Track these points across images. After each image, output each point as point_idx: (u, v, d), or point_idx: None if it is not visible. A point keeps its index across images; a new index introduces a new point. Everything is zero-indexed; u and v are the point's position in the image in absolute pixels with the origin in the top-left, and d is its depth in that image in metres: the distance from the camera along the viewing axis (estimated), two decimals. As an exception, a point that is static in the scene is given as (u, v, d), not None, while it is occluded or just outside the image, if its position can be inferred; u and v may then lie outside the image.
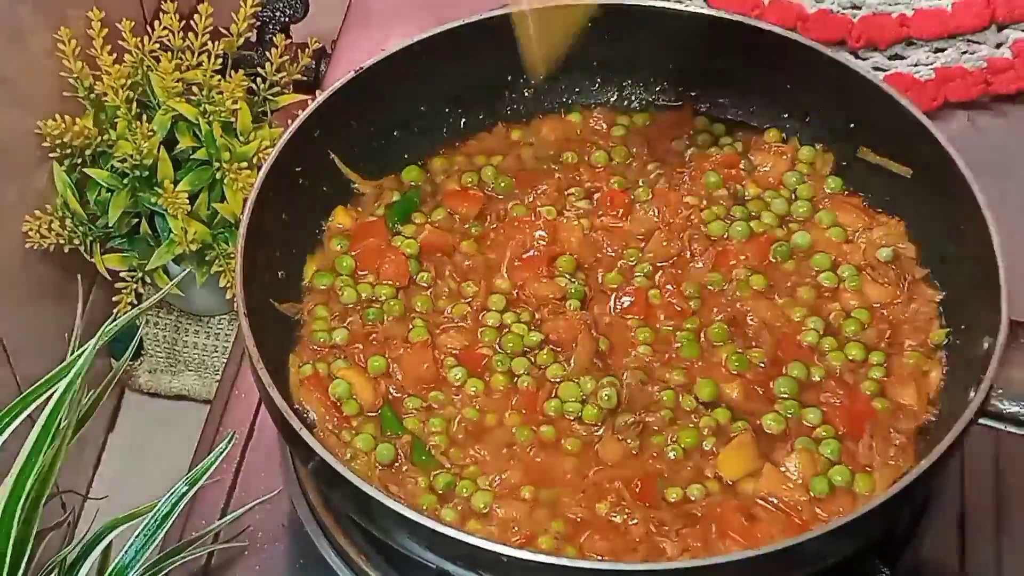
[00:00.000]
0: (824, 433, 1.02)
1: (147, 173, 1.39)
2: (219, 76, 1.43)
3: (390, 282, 1.10)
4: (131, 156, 1.37)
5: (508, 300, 1.09)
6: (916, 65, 1.42)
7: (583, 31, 1.13)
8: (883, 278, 1.10)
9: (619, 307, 1.09)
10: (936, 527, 1.09)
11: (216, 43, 1.43)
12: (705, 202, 1.15)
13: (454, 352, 1.06)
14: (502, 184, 1.17)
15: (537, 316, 1.08)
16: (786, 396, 1.04)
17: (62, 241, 1.40)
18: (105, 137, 1.40)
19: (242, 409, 1.19)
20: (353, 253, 1.12)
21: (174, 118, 1.40)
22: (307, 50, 1.52)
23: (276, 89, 1.49)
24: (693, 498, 0.99)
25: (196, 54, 1.43)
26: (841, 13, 1.43)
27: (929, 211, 1.10)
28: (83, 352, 1.02)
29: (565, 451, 1.02)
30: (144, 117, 1.40)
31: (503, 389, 1.05)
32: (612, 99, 1.23)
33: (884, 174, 1.14)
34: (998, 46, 1.43)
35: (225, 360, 1.31)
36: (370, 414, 1.04)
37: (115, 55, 1.40)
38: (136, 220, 1.44)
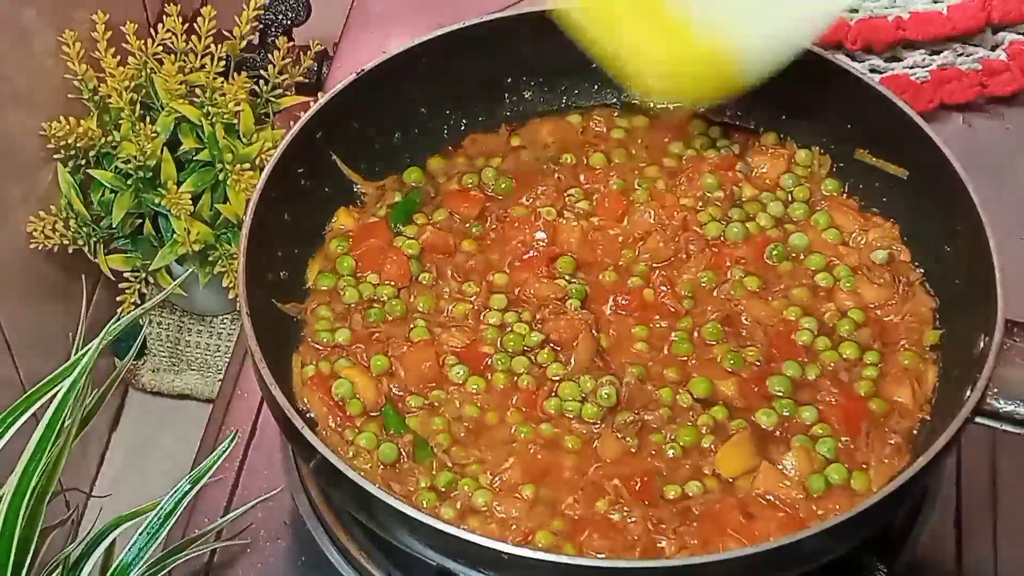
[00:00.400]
0: (820, 431, 1.03)
1: (150, 174, 1.39)
2: (222, 78, 1.43)
3: (392, 282, 1.11)
4: (135, 157, 1.37)
5: (509, 300, 1.10)
6: (912, 67, 1.42)
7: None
8: (878, 279, 1.11)
9: (616, 307, 1.10)
10: (933, 524, 1.10)
11: (219, 46, 1.44)
12: (701, 204, 1.15)
13: (456, 351, 1.07)
14: (502, 185, 1.17)
15: (538, 316, 1.09)
16: (781, 394, 1.04)
17: (66, 241, 1.40)
18: (109, 138, 1.40)
19: (244, 408, 1.20)
20: (354, 253, 1.13)
21: (177, 120, 1.40)
22: (309, 52, 1.52)
23: (278, 91, 1.49)
24: (691, 495, 1.00)
25: (199, 56, 1.43)
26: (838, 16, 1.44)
27: (925, 212, 1.11)
28: (87, 351, 1.03)
29: (565, 449, 1.02)
30: (148, 119, 1.40)
31: (503, 387, 1.05)
32: (611, 101, 1.24)
33: (880, 175, 1.15)
34: (993, 48, 1.43)
35: (228, 360, 1.32)
36: (372, 413, 1.04)
37: (119, 57, 1.40)
38: (139, 221, 1.44)
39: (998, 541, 1.11)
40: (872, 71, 1.41)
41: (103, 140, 1.40)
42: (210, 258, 1.43)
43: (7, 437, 1.03)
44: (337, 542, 1.08)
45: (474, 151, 1.21)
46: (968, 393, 0.96)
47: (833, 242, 1.14)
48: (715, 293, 1.10)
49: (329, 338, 1.08)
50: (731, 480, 1.01)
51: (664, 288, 1.10)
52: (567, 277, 1.11)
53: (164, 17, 1.43)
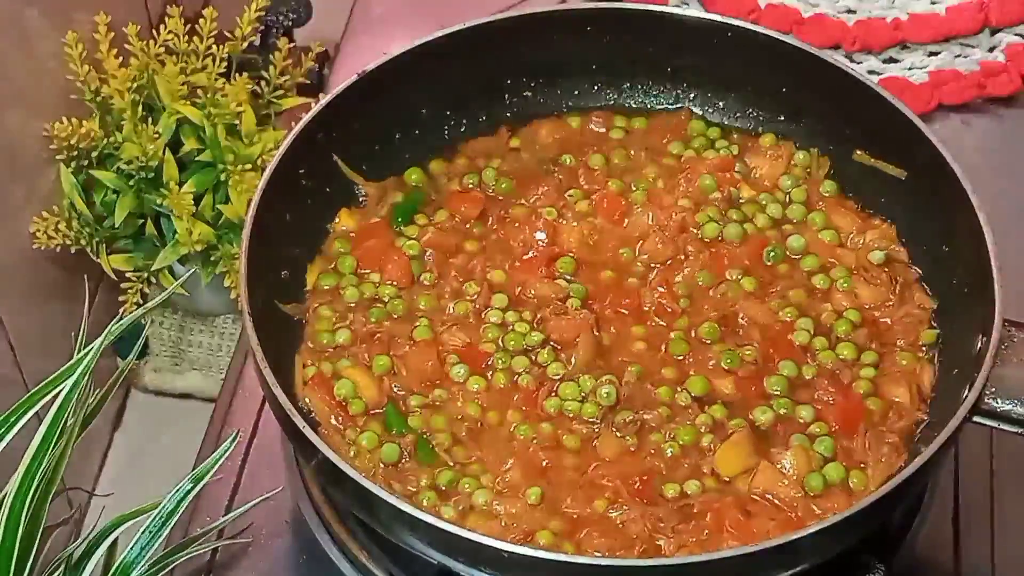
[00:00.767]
0: (818, 430, 1.03)
1: (153, 175, 1.39)
2: (223, 79, 1.43)
3: (393, 282, 1.12)
4: (137, 158, 1.37)
5: (510, 299, 1.10)
6: (910, 68, 1.43)
7: None
8: (875, 280, 1.11)
9: (615, 307, 1.10)
10: (931, 523, 1.10)
11: (220, 47, 1.43)
12: (699, 205, 1.16)
13: (457, 349, 1.07)
14: (503, 186, 1.18)
15: (539, 315, 1.09)
16: (779, 394, 1.05)
17: (69, 242, 1.40)
18: (111, 139, 1.40)
19: (246, 408, 1.20)
20: (355, 254, 1.13)
21: (179, 121, 1.40)
22: (310, 54, 1.52)
23: (280, 92, 1.49)
24: (690, 494, 1.00)
25: (201, 58, 1.43)
26: (836, 17, 1.44)
27: (923, 212, 1.11)
28: (89, 351, 1.03)
29: (565, 448, 1.03)
30: (150, 120, 1.40)
31: (503, 387, 1.06)
32: (610, 102, 1.24)
33: (878, 176, 1.15)
34: (991, 49, 1.43)
35: (229, 359, 1.32)
36: (375, 411, 1.05)
37: (121, 59, 1.40)
38: (142, 221, 1.44)
39: (996, 539, 1.12)
40: (870, 72, 1.42)
41: (105, 141, 1.40)
42: (212, 258, 1.44)
43: (10, 436, 1.03)
44: (338, 541, 1.08)
45: (474, 152, 1.21)
46: (966, 392, 0.97)
47: (830, 243, 1.14)
48: (712, 293, 1.11)
49: (330, 338, 1.09)
50: (729, 479, 1.01)
51: (661, 288, 1.11)
52: (567, 277, 1.12)
53: (166, 18, 1.43)
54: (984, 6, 1.43)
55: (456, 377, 1.06)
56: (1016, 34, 1.44)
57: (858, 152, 1.16)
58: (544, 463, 1.02)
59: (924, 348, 1.08)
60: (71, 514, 1.18)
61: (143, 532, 1.06)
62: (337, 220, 1.16)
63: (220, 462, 1.07)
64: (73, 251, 1.42)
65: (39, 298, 1.44)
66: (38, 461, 1.00)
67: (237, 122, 1.41)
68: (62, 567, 1.06)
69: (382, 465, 1.02)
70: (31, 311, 1.42)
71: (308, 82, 1.52)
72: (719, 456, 1.02)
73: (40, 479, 0.99)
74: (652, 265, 1.13)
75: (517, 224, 1.16)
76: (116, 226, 1.42)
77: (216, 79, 1.41)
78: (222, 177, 1.40)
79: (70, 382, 1.02)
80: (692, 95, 1.23)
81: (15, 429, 1.03)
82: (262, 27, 1.55)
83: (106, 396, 1.12)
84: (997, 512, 1.13)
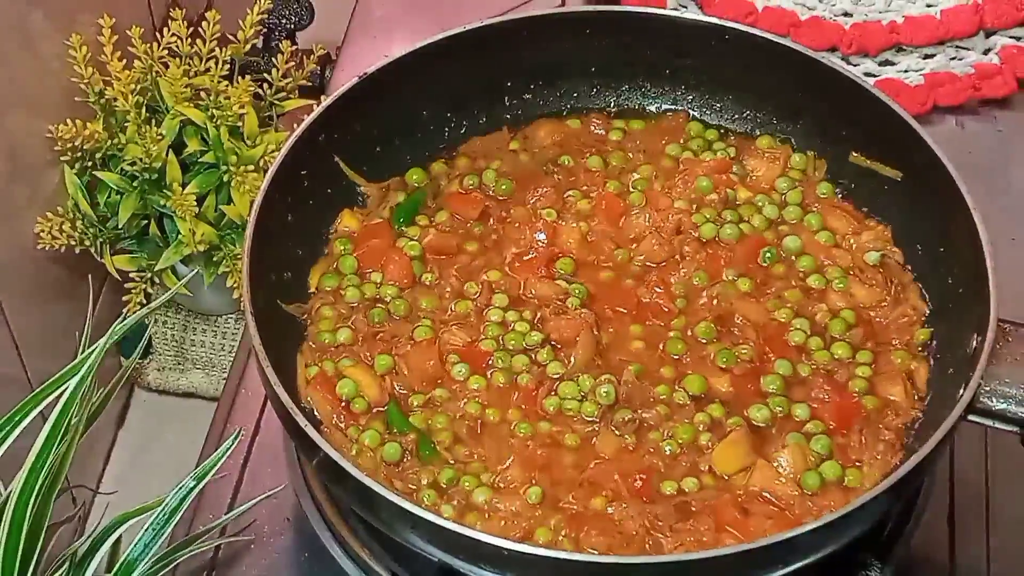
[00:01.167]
0: (814, 429, 1.04)
1: (156, 176, 1.39)
2: (226, 81, 1.43)
3: (394, 282, 1.12)
4: (140, 159, 1.37)
5: (511, 299, 1.11)
6: (906, 71, 1.43)
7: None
8: (870, 281, 1.12)
9: (613, 307, 1.11)
10: (927, 521, 1.11)
11: (223, 49, 1.44)
12: (696, 206, 1.17)
13: (458, 348, 1.08)
14: (503, 187, 1.19)
15: (539, 315, 1.10)
16: (775, 392, 1.06)
17: (73, 242, 1.40)
18: (115, 141, 1.40)
19: (249, 406, 1.21)
20: (357, 254, 1.14)
21: (182, 122, 1.41)
22: (312, 56, 1.52)
23: (282, 94, 1.49)
24: (688, 491, 1.01)
25: (204, 60, 1.44)
26: (833, 20, 1.45)
27: (919, 213, 1.12)
28: (93, 350, 1.04)
29: (564, 447, 1.03)
30: (153, 121, 1.41)
31: (503, 386, 1.06)
32: (609, 104, 1.25)
33: (874, 177, 1.16)
34: (986, 52, 1.44)
35: (232, 359, 1.32)
36: (378, 409, 1.05)
37: (125, 61, 1.40)
38: (145, 222, 1.44)
39: (991, 537, 1.12)
40: (866, 75, 1.42)
41: (109, 142, 1.40)
42: (215, 259, 1.44)
43: (15, 435, 1.04)
44: (339, 538, 1.09)
45: (475, 153, 1.22)
46: (961, 391, 0.97)
47: (826, 244, 1.15)
48: (708, 293, 1.11)
49: (332, 338, 1.09)
50: (727, 477, 1.02)
51: (659, 289, 1.11)
52: (567, 278, 1.12)
53: (169, 21, 1.43)
54: (979, 9, 1.43)
55: (457, 376, 1.06)
56: (1010, 36, 1.45)
57: (854, 154, 1.17)
58: (543, 461, 1.03)
59: (919, 347, 1.08)
60: (75, 512, 1.19)
61: (146, 529, 1.06)
62: (339, 221, 1.16)
63: (222, 460, 1.07)
64: (77, 251, 1.42)
65: (43, 298, 1.44)
66: (43, 459, 1.00)
67: (240, 124, 1.41)
68: (66, 564, 1.07)
69: (383, 463, 1.02)
70: (35, 311, 1.42)
71: (310, 84, 1.52)
72: (716, 454, 1.02)
73: (45, 477, 1.00)
74: (649, 265, 1.14)
75: (517, 225, 1.16)
76: (120, 227, 1.42)
77: (219, 81, 1.42)
78: (225, 178, 1.40)
79: (74, 381, 1.02)
80: (690, 97, 1.24)
81: (20, 427, 1.04)
82: (264, 30, 1.55)
83: (110, 395, 1.13)
84: (992, 510, 1.14)
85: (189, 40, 1.43)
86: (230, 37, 1.46)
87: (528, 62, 1.21)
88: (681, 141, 1.22)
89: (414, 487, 1.01)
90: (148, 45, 1.42)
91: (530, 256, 1.14)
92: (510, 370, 1.07)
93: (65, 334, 1.29)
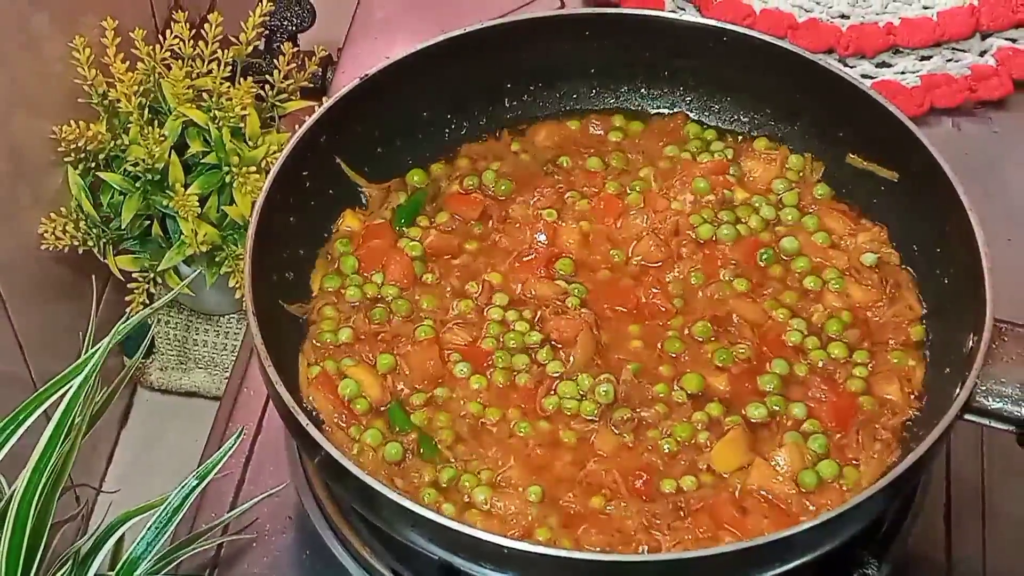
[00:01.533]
0: (811, 427, 1.04)
1: (159, 177, 1.40)
2: (228, 83, 1.43)
3: (395, 283, 1.13)
4: (143, 160, 1.38)
5: (511, 299, 1.12)
6: (903, 72, 1.43)
7: None
8: (867, 281, 1.12)
9: (611, 306, 1.12)
10: (923, 519, 1.11)
11: (225, 51, 1.44)
12: (693, 207, 1.17)
13: (459, 347, 1.08)
14: (502, 187, 1.19)
15: (539, 315, 1.10)
16: (772, 391, 1.06)
17: (76, 243, 1.40)
18: (118, 142, 1.41)
19: (251, 406, 1.21)
20: (358, 254, 1.14)
21: (185, 124, 1.41)
22: (314, 58, 1.52)
23: (284, 96, 1.49)
24: (686, 489, 1.01)
25: (206, 62, 1.44)
26: (830, 22, 1.45)
27: (915, 214, 1.12)
28: (97, 350, 1.04)
29: (563, 446, 1.04)
30: (156, 123, 1.41)
31: (503, 385, 1.07)
32: (608, 105, 1.25)
33: (871, 178, 1.16)
34: (982, 54, 1.44)
35: (234, 358, 1.33)
36: (381, 408, 1.06)
37: (128, 63, 1.40)
38: (148, 222, 1.44)
39: (987, 535, 1.13)
40: (863, 76, 1.43)
41: (112, 143, 1.41)
42: (217, 259, 1.44)
43: (19, 434, 1.04)
44: (341, 536, 1.10)
45: (475, 154, 1.22)
46: (957, 391, 0.98)
47: (823, 245, 1.15)
48: (704, 293, 1.12)
49: (333, 338, 1.10)
50: (725, 475, 1.02)
51: (656, 289, 1.12)
52: (566, 278, 1.13)
53: (172, 23, 1.44)
54: (975, 11, 1.44)
55: (459, 374, 1.07)
56: (1006, 38, 1.45)
57: (851, 155, 1.17)
58: (543, 460, 1.03)
59: (915, 345, 1.09)
60: (79, 510, 1.19)
61: (149, 528, 1.06)
62: (340, 221, 1.17)
63: (225, 459, 1.07)
64: (80, 252, 1.42)
65: (47, 298, 1.45)
66: (46, 458, 1.01)
67: (242, 125, 1.41)
68: (70, 562, 1.07)
69: (385, 462, 1.03)
70: (39, 311, 1.42)
71: (311, 86, 1.52)
72: (715, 453, 1.03)
73: (48, 476, 1.00)
74: (647, 265, 1.14)
75: (517, 225, 1.17)
76: (123, 227, 1.43)
77: (221, 83, 1.42)
78: (227, 179, 1.40)
79: (78, 381, 1.03)
80: (688, 99, 1.24)
81: (24, 427, 1.04)
82: (266, 32, 1.56)
83: (113, 394, 1.13)
84: (988, 508, 1.14)
85: (191, 42, 1.43)
86: (232, 39, 1.46)
87: (528, 64, 1.22)
88: (679, 142, 1.22)
89: (415, 485, 1.02)
90: (151, 47, 1.43)
91: (530, 256, 1.14)
92: (510, 369, 1.07)
93: (68, 334, 1.29)
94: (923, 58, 1.45)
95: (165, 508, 1.07)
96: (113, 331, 1.06)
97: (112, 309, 1.46)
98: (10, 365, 1.39)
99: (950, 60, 1.44)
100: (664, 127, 1.23)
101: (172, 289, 1.20)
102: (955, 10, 1.44)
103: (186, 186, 1.40)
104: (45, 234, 1.39)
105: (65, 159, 1.40)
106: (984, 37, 1.45)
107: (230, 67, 1.44)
